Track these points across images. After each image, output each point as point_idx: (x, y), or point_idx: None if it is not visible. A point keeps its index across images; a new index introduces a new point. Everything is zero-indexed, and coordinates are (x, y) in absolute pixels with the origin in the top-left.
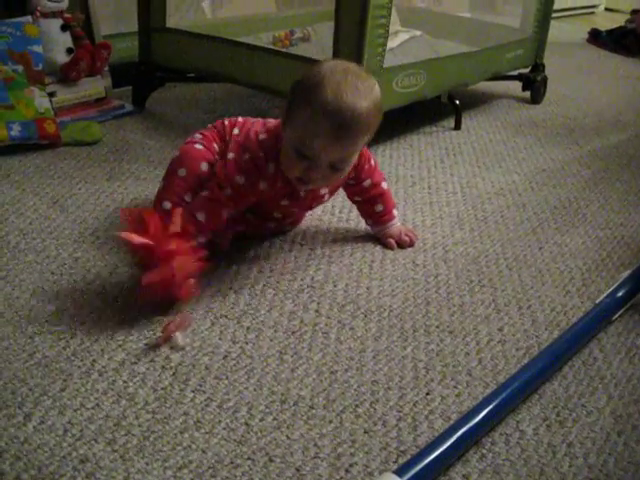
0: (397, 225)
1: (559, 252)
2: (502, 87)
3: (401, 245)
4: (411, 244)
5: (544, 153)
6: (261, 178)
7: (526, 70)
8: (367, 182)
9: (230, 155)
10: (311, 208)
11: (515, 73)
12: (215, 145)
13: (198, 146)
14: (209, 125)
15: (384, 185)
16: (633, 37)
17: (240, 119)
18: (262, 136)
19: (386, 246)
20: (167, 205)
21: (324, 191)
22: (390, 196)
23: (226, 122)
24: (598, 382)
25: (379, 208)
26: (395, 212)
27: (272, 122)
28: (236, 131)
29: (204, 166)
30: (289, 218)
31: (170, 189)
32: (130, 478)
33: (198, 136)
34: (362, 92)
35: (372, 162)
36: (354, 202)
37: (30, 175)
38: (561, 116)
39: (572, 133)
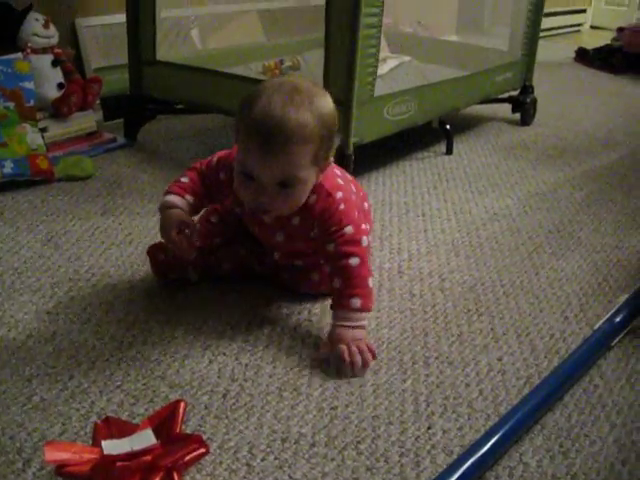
0: (356, 331)
1: (555, 277)
2: (492, 110)
3: (352, 364)
4: (364, 366)
5: (536, 176)
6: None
7: (515, 92)
8: (330, 246)
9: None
10: (293, 240)
11: (505, 96)
12: None
13: None
14: None
15: (352, 262)
16: (620, 55)
17: None
18: None
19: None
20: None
21: (295, 221)
22: (356, 278)
23: None
24: (600, 410)
25: (335, 284)
26: (357, 304)
27: None
28: None
29: None
30: (279, 251)
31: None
32: None
33: None
34: (296, 103)
35: (341, 206)
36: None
37: (23, 212)
38: (552, 137)
39: (563, 154)
